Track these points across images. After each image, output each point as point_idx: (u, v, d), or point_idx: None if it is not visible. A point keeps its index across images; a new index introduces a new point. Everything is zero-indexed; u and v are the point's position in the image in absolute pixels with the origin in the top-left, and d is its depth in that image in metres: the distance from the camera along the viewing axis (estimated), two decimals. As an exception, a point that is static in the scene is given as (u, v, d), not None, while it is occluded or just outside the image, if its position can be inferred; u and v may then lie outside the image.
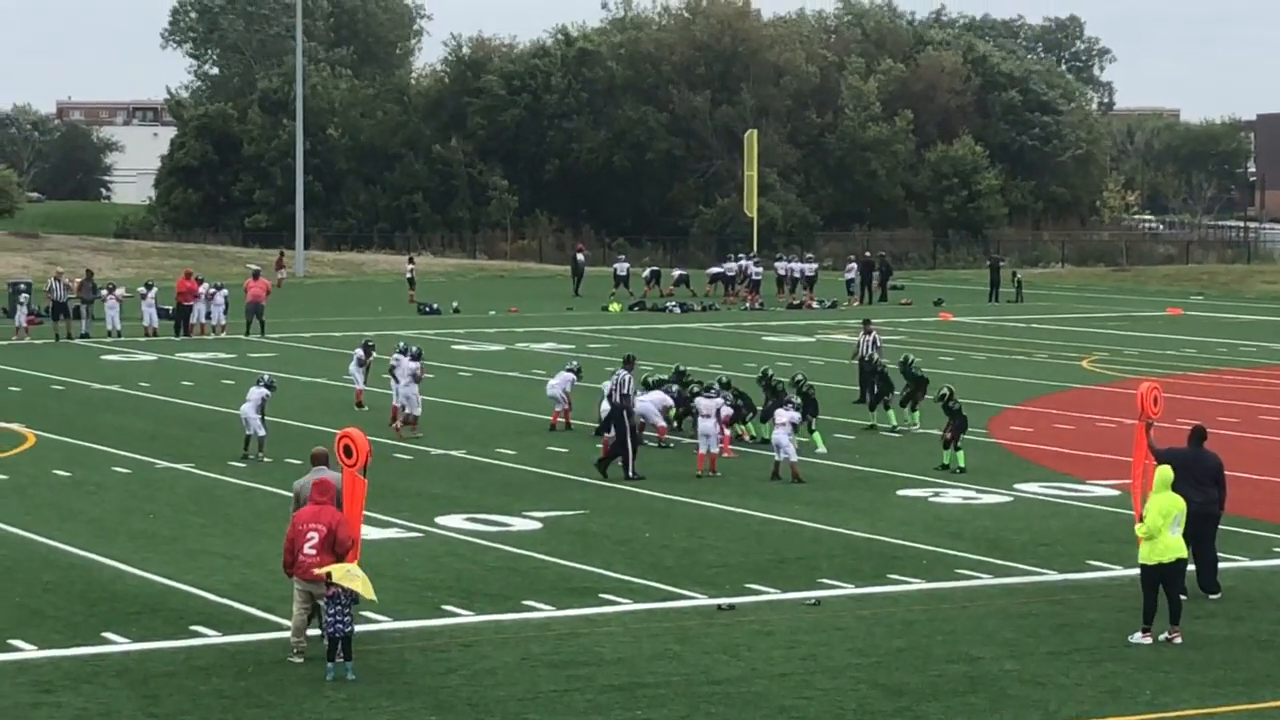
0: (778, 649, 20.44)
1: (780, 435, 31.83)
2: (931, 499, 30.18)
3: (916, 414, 37.89)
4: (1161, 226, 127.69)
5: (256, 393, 34.10)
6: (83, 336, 57.68)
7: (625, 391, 32.42)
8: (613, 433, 32.42)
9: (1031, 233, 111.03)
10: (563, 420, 37.53)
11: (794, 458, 31.61)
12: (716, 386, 34.70)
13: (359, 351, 41.44)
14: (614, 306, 71.87)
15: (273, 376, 35.83)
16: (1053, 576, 24.36)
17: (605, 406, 33.23)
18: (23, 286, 62.24)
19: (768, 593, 23.20)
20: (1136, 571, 21.35)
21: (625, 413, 32.15)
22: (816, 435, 35.04)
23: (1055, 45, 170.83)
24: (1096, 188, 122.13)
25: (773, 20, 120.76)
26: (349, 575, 19.39)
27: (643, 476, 31.54)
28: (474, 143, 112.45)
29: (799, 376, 36.50)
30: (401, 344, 40.04)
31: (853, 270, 78.39)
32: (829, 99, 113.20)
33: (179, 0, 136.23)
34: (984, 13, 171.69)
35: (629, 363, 33.76)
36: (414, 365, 36.94)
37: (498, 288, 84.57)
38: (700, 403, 33.31)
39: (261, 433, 33.78)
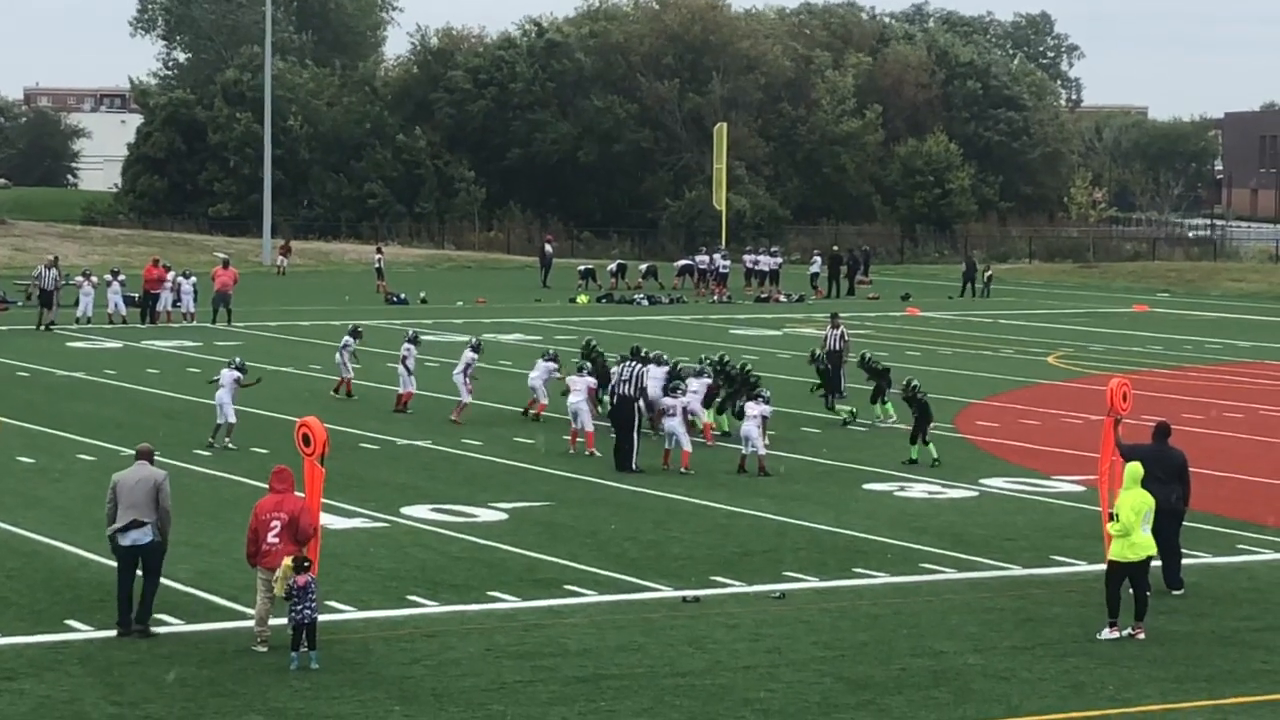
0: (742, 641, 20.46)
1: (750, 428, 31.84)
2: (897, 493, 30.23)
3: (888, 406, 37.89)
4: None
5: (228, 375, 34.14)
6: (45, 328, 57.43)
7: (639, 384, 32.34)
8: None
9: (999, 228, 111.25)
10: (534, 411, 37.47)
11: (762, 451, 31.63)
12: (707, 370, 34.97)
13: (348, 338, 41.25)
14: (581, 298, 71.84)
15: (242, 359, 35.74)
16: (1017, 571, 24.42)
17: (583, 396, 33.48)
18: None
19: (733, 585, 23.22)
20: (1100, 567, 21.43)
21: (634, 405, 32.02)
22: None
23: (1024, 42, 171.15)
24: (1064, 184, 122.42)
25: (743, 13, 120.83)
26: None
27: (641, 470, 31.44)
28: (441, 133, 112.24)
29: (744, 363, 36.91)
30: (411, 331, 40.68)
31: (817, 264, 78.49)
32: (802, 92, 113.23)
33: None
34: (952, 8, 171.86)
35: (638, 355, 33.62)
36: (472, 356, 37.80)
37: (466, 278, 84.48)
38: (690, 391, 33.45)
39: (231, 420, 33.72)
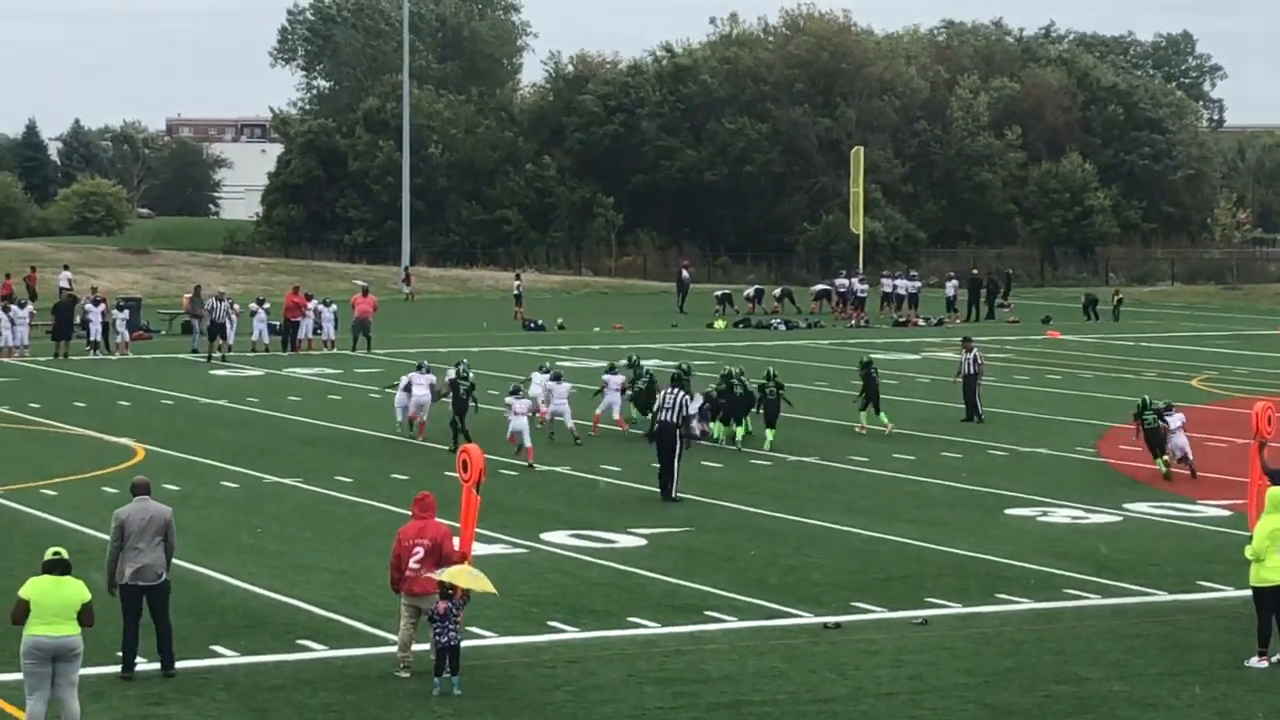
0: (884, 668, 20.32)
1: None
2: (1040, 518, 29.94)
3: (881, 415, 39.47)
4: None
5: (420, 378, 38.19)
6: (193, 351, 58.06)
7: (682, 411, 32.03)
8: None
9: (1141, 250, 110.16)
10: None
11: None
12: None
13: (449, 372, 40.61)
14: (718, 324, 71.82)
15: (466, 364, 38.49)
16: (1162, 597, 24.11)
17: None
18: (122, 303, 62.29)
19: (874, 611, 23.07)
20: (1248, 593, 21.08)
21: (675, 432, 31.64)
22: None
23: (1165, 62, 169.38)
24: (1207, 205, 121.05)
25: (878, 36, 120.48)
26: (468, 575, 19.47)
27: (680, 500, 31.10)
28: (572, 159, 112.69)
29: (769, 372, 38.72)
30: (544, 365, 41.75)
31: (952, 287, 78.05)
32: (936, 113, 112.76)
33: (288, 18, 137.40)
34: (1093, 29, 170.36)
35: (680, 381, 33.43)
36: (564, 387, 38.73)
37: (603, 304, 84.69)
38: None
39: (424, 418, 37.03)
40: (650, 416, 33.68)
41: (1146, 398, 35.46)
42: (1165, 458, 34.12)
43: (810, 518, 29.63)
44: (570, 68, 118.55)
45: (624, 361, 42.14)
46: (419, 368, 39.45)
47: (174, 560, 20.18)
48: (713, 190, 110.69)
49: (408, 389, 38.71)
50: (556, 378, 39.09)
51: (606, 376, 39.83)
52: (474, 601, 20.28)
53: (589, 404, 40.21)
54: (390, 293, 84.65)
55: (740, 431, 37.60)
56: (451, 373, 37.92)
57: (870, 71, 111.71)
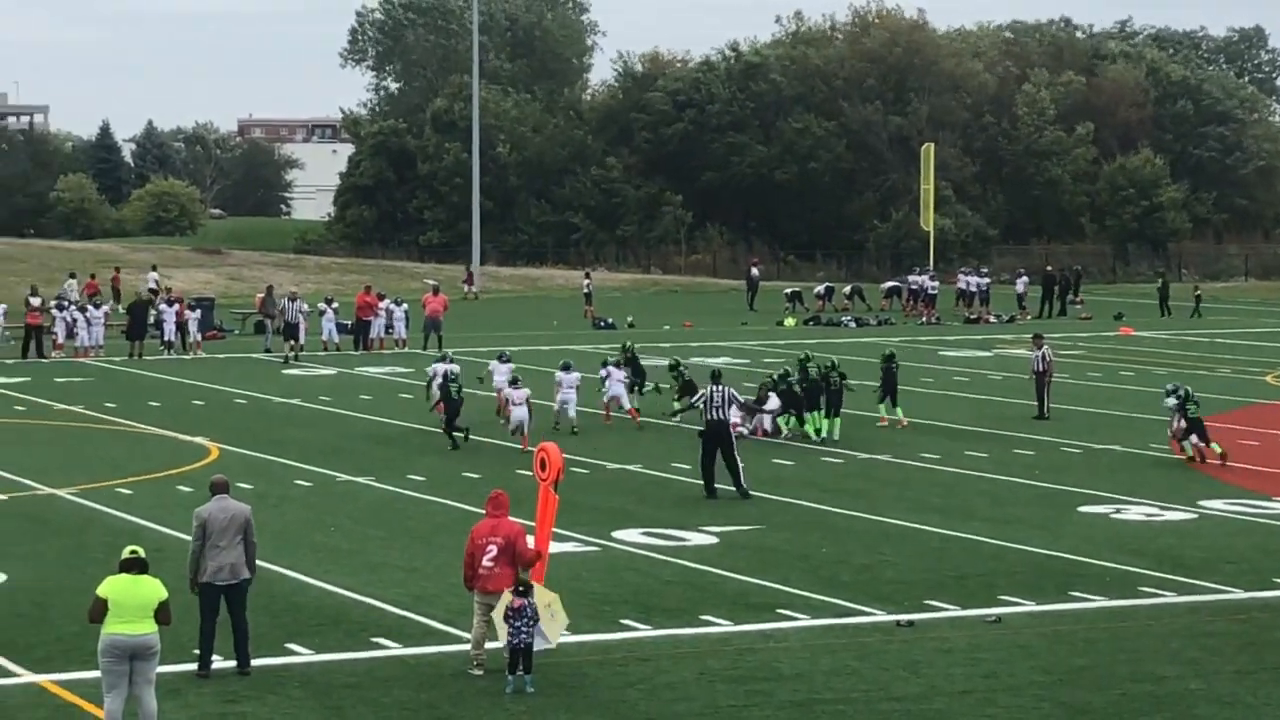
0: (958, 666, 20.27)
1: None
2: (1113, 515, 29.80)
3: (897, 409, 39.85)
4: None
5: (501, 367, 40.38)
6: (265, 351, 58.37)
7: (719, 406, 31.92)
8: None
9: (1214, 246, 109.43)
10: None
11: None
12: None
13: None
14: (789, 321, 71.72)
15: (571, 363, 40.53)
16: (1238, 594, 23.96)
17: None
18: (195, 303, 62.61)
19: (947, 609, 23.00)
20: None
21: (726, 428, 31.85)
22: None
23: (1238, 56, 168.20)
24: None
25: (948, 33, 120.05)
26: (548, 607, 19.55)
27: (749, 496, 31.19)
28: (640, 157, 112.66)
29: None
30: (503, 354, 43.04)
31: (1022, 283, 77.72)
32: (1003, 108, 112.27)
33: (358, 19, 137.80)
34: (1165, 24, 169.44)
35: (718, 379, 33.32)
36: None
37: (672, 302, 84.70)
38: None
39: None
40: (675, 410, 33.58)
41: (1188, 389, 36.11)
42: (1202, 444, 35.27)
43: (883, 515, 29.56)
44: (639, 66, 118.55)
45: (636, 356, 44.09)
46: (442, 358, 41.44)
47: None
48: (782, 188, 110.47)
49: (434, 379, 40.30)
50: (566, 367, 40.38)
51: (608, 368, 41.46)
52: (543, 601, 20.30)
53: (595, 395, 41.42)
54: (460, 291, 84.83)
55: (812, 426, 37.83)
56: (436, 368, 40.34)
57: (941, 68, 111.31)
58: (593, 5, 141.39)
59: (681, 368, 42.55)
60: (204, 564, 19.65)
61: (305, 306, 58.99)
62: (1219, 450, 35.19)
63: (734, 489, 31.26)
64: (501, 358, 42.09)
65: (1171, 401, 35.92)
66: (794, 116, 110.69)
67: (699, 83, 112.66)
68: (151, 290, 65.71)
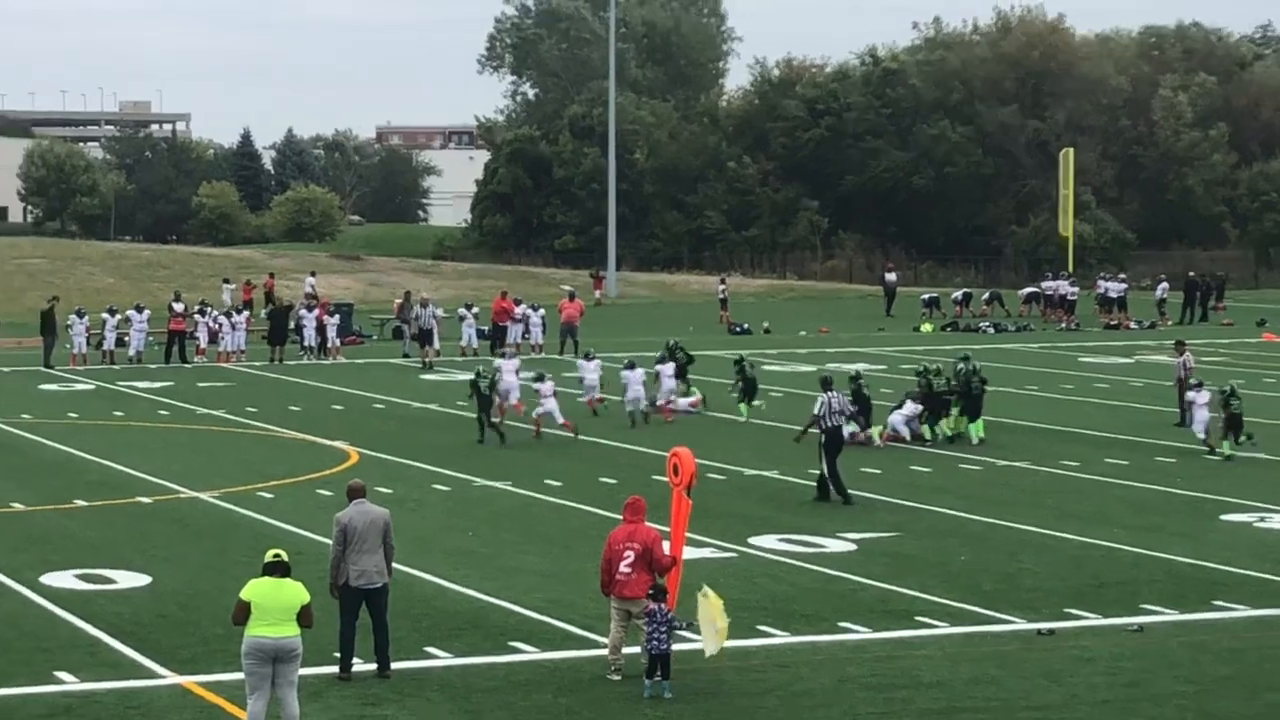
0: (1099, 675, 20.08)
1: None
2: (1257, 524, 29.42)
3: (977, 424, 38.89)
4: None
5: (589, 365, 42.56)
6: (403, 356, 58.74)
7: (836, 413, 31.90)
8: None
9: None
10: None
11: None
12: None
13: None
14: (926, 327, 71.35)
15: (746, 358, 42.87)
16: (1387, 605, 23.58)
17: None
18: (334, 309, 63.01)
19: (1088, 618, 22.79)
20: None
21: (842, 436, 32.09)
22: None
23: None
24: None
25: (1086, 37, 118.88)
26: (711, 620, 19.54)
27: (852, 502, 31.16)
28: (776, 162, 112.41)
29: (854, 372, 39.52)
30: (589, 352, 45.05)
31: (1162, 289, 76.89)
32: (1139, 112, 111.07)
33: (496, 27, 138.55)
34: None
35: (828, 385, 33.11)
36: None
37: (808, 308, 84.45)
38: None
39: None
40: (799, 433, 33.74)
41: (1233, 385, 36.95)
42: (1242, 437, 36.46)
43: (1022, 523, 29.34)
44: (775, 72, 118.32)
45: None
46: (503, 354, 43.82)
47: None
48: (919, 193, 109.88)
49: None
50: (631, 365, 42.18)
51: (659, 367, 43.62)
52: (682, 606, 20.30)
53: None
54: (591, 297, 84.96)
55: (948, 427, 37.91)
56: (501, 364, 41.87)
57: (1078, 71, 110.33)
58: (729, 11, 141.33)
59: (745, 365, 43.41)
60: (345, 568, 19.78)
61: (439, 312, 59.30)
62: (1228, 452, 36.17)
63: (837, 495, 31.34)
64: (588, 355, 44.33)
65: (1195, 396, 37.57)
66: (931, 122, 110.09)
67: (835, 93, 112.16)
68: (310, 296, 66.37)
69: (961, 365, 39.17)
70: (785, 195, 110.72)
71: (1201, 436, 37.11)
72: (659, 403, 42.67)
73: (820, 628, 22.23)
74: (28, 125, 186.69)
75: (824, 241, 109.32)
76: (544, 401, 39.42)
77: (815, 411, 31.98)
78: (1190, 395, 38.12)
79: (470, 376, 40.39)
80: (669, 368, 43.42)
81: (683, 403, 43.72)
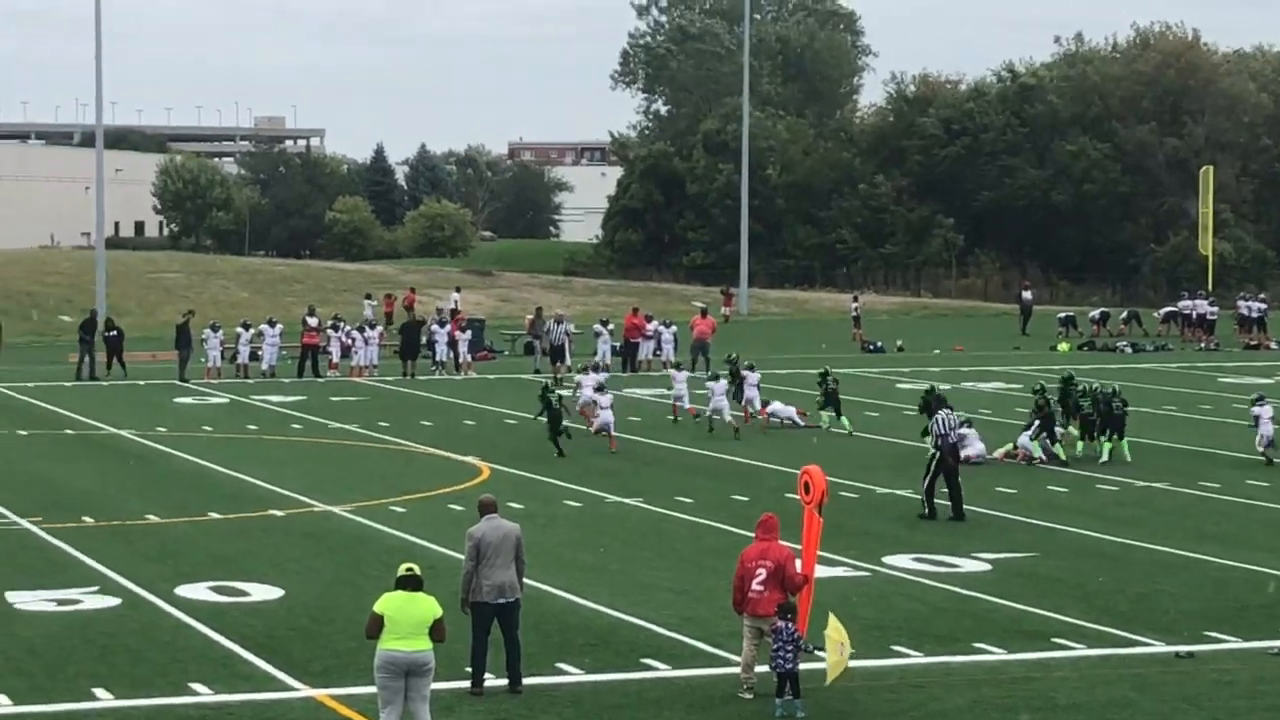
0: (1240, 699, 19.72)
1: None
2: (1403, 548, 28.84)
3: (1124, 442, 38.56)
4: None
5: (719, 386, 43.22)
6: (534, 372, 58.83)
7: (949, 433, 31.63)
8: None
9: None
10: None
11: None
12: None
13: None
14: (1062, 346, 70.65)
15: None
16: None
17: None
18: (466, 324, 63.18)
19: (1228, 641, 22.40)
20: None
21: (958, 454, 32.00)
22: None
23: None
24: None
25: (1225, 54, 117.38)
26: (839, 651, 19.37)
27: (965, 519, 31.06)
28: (911, 179, 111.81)
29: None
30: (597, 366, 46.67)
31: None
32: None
33: (629, 43, 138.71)
34: None
35: (943, 402, 32.64)
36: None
37: (942, 326, 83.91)
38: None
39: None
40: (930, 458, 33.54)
41: None
42: None
43: (1160, 544, 28.92)
44: (911, 89, 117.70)
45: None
46: (583, 369, 44.95)
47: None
48: (1056, 211, 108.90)
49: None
50: (715, 377, 44.55)
51: (747, 373, 44.90)
52: (814, 625, 20.12)
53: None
54: (720, 313, 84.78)
55: (1083, 448, 37.89)
56: (582, 379, 43.70)
57: (1218, 88, 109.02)
58: (865, 25, 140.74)
59: (830, 378, 43.97)
60: (478, 583, 19.73)
61: (572, 328, 59.36)
62: None
63: (953, 513, 31.19)
64: (592, 369, 45.04)
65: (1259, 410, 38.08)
66: (1069, 138, 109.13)
67: (971, 111, 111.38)
68: (453, 311, 66.74)
69: (1096, 385, 38.94)
70: (920, 213, 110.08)
71: (1261, 450, 37.74)
72: (754, 410, 44.33)
73: (955, 648, 21.97)
74: (164, 140, 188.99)
75: (959, 259, 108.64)
76: (601, 412, 40.25)
77: (934, 430, 31.75)
78: (1255, 410, 38.52)
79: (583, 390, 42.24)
80: (720, 384, 43.99)
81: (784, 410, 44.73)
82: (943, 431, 31.51)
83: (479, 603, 19.72)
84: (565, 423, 39.59)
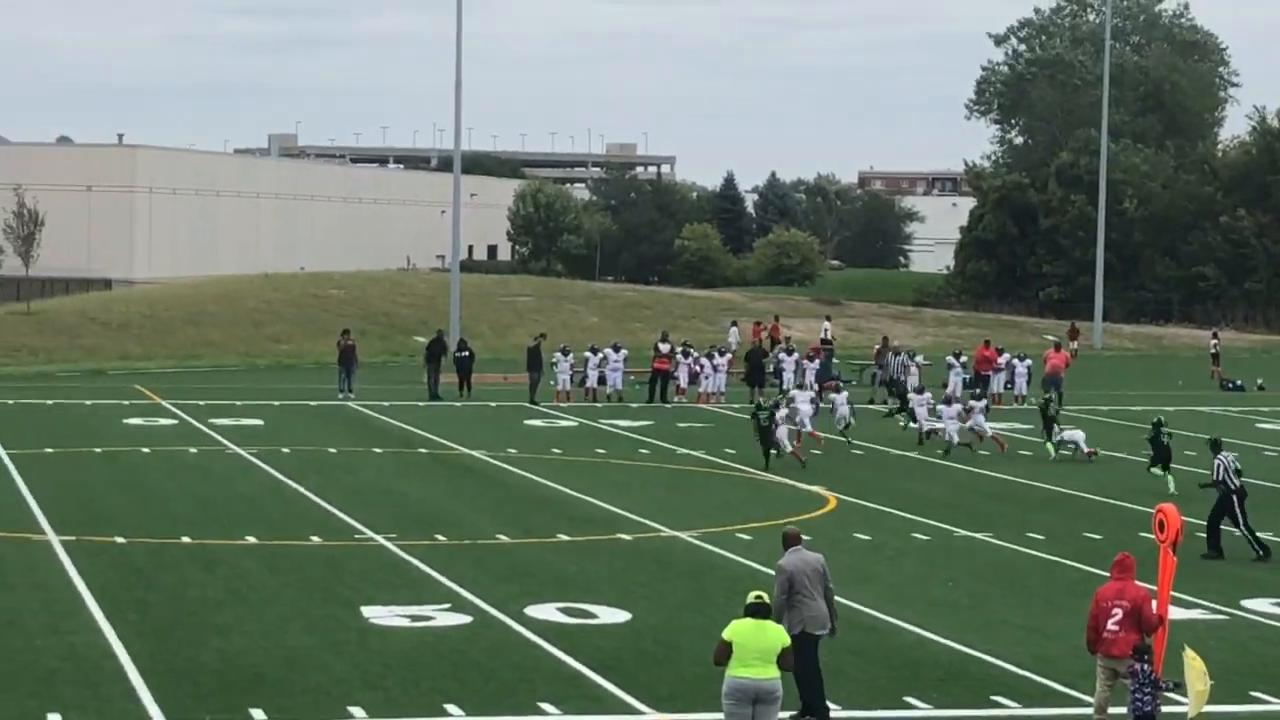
0: None
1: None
2: None
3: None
4: None
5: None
6: (869, 402, 58.26)
7: (1229, 478, 31.26)
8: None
9: None
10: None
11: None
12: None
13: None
14: None
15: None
16: None
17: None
18: (812, 354, 63.09)
19: None
20: None
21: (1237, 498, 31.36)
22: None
23: None
24: None
25: None
26: (1202, 680, 18.82)
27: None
28: (1274, 215, 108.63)
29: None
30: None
31: None
32: None
33: (984, 72, 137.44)
34: None
35: (1218, 448, 32.01)
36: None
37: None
38: None
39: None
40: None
41: None
42: None
43: None
44: (1275, 122, 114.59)
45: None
46: (799, 386, 48.72)
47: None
48: None
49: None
50: (838, 389, 48.68)
51: (835, 396, 47.89)
52: (1170, 667, 19.55)
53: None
54: (1080, 348, 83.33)
55: None
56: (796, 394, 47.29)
57: None
58: (1232, 56, 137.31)
59: (1161, 429, 40.25)
60: (800, 614, 19.59)
61: (920, 359, 58.79)
62: None
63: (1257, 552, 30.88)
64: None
65: None
66: None
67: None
68: (824, 341, 66.86)
69: None
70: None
71: None
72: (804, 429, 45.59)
73: (1311, 697, 21.21)
74: (518, 166, 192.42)
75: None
76: (840, 408, 45.71)
77: (1215, 476, 31.59)
78: None
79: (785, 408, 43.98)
80: (805, 395, 47.31)
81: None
82: (1219, 477, 31.46)
83: (804, 634, 19.56)
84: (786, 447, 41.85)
